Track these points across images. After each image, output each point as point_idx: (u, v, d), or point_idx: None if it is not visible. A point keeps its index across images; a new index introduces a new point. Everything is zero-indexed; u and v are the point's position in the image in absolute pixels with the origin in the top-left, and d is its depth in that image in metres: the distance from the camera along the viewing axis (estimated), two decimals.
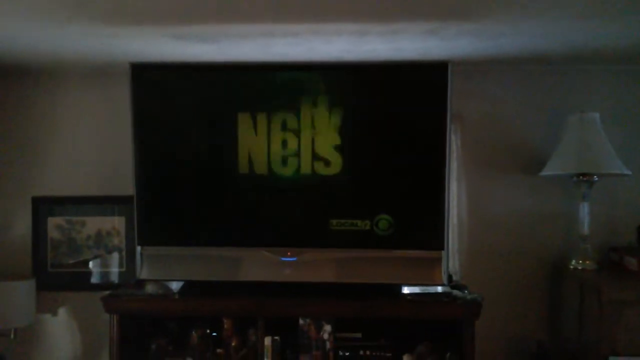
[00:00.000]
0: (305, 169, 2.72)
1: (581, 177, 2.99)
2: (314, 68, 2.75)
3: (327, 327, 2.74)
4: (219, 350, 2.84)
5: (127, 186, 2.89)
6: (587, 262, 2.99)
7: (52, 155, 3.37)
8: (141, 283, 2.89)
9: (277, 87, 2.74)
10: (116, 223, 3.36)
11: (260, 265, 2.77)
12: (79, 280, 3.36)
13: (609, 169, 2.95)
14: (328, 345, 2.73)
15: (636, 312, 2.72)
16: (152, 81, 2.76)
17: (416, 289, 2.80)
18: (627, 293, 2.73)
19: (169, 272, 2.84)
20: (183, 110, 2.78)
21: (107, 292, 2.85)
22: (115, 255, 3.36)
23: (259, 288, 2.79)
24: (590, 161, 2.95)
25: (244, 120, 2.72)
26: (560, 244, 3.18)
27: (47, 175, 3.37)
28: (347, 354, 2.76)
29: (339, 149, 2.70)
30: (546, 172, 3.05)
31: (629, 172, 2.96)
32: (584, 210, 3.02)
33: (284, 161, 2.72)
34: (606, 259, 3.09)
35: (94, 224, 3.37)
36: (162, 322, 2.96)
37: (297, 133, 2.71)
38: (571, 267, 3.01)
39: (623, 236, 3.15)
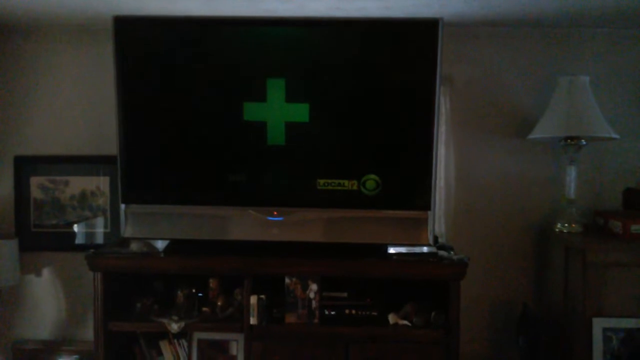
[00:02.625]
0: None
1: (569, 140, 2.98)
2: (302, 24, 2.70)
3: (313, 286, 2.74)
4: (204, 309, 2.83)
5: (112, 146, 2.85)
6: (573, 225, 3.00)
7: (35, 113, 3.31)
8: (126, 241, 2.87)
9: (265, 43, 2.68)
10: (101, 183, 3.32)
11: (246, 224, 2.75)
12: (62, 241, 3.34)
13: (596, 133, 2.95)
14: (314, 304, 2.73)
15: (620, 274, 2.75)
16: (136, 36, 2.70)
17: (402, 249, 2.80)
18: (611, 255, 2.76)
19: (154, 230, 2.81)
20: (168, 66, 2.72)
21: (91, 251, 2.82)
22: (100, 216, 3.33)
23: (245, 247, 2.78)
24: (578, 125, 2.94)
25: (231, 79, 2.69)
26: (546, 207, 3.19)
27: (29, 133, 3.32)
28: (332, 312, 2.77)
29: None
30: (534, 135, 3.04)
31: (617, 136, 2.96)
32: (571, 174, 3.02)
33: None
34: (592, 222, 3.10)
35: (78, 183, 3.32)
36: (147, 281, 2.95)
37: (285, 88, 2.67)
38: (557, 230, 3.03)
39: (609, 200, 3.17)
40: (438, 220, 3.15)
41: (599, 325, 2.73)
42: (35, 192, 3.32)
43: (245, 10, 2.85)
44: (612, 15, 2.90)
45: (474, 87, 3.19)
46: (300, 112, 2.67)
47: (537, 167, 3.21)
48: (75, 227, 3.33)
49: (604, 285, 2.75)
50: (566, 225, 3.01)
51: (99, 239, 3.32)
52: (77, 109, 3.29)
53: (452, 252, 2.80)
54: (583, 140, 2.98)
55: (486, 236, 3.23)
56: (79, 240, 3.33)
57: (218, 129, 2.73)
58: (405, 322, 2.73)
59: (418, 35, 2.63)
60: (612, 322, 2.73)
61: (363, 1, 2.71)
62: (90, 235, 3.34)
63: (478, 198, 3.23)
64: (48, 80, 3.30)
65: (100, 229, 3.33)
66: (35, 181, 3.32)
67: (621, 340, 2.72)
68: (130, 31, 2.68)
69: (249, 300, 2.73)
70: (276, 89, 2.67)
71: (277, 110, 2.68)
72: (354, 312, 2.77)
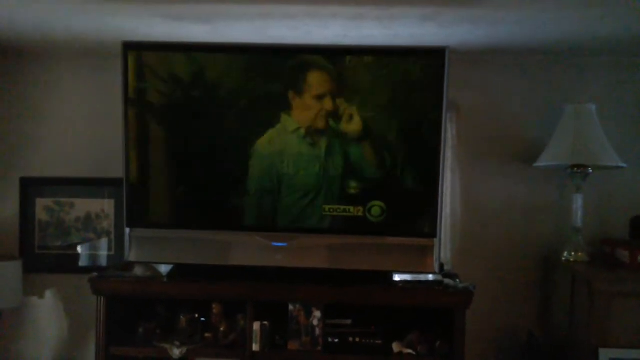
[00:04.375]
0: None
1: (575, 168, 2.97)
2: (310, 52, 2.70)
3: (317, 313, 2.72)
4: (207, 335, 2.81)
5: (117, 168, 2.85)
6: (579, 254, 2.98)
7: (42, 135, 3.33)
8: (129, 265, 2.86)
9: (275, 70, 2.70)
10: (105, 206, 3.32)
11: (251, 250, 2.75)
12: (66, 263, 3.33)
13: (603, 161, 2.94)
14: (317, 331, 2.71)
15: (627, 305, 2.71)
16: (144, 60, 2.71)
17: (407, 277, 2.79)
18: (618, 285, 2.73)
19: (158, 254, 2.81)
20: (176, 91, 2.73)
21: (94, 274, 2.81)
22: (104, 239, 3.32)
23: (249, 273, 2.76)
24: (584, 153, 2.94)
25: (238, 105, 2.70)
26: (553, 236, 3.17)
27: (36, 156, 3.33)
28: (336, 340, 2.74)
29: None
30: (540, 162, 3.03)
31: (624, 165, 2.95)
32: (578, 202, 3.00)
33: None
34: (598, 251, 3.07)
35: (83, 206, 3.33)
36: (150, 306, 2.93)
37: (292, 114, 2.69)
38: (563, 258, 3.00)
39: (616, 229, 3.14)
40: (443, 247, 3.13)
41: (605, 356, 2.69)
42: (41, 214, 3.32)
43: (251, 38, 2.86)
44: (617, 43, 2.90)
45: (479, 113, 3.19)
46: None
47: (543, 195, 3.19)
48: (79, 249, 3.32)
49: (611, 315, 2.71)
50: (572, 253, 2.98)
51: (103, 262, 3.32)
52: (84, 131, 3.31)
53: (457, 280, 2.78)
54: (590, 169, 2.97)
55: (492, 263, 3.20)
56: (83, 262, 3.32)
57: (225, 155, 2.73)
58: (409, 351, 2.70)
59: (425, 63, 2.64)
60: (620, 354, 2.69)
61: (370, 29, 2.72)
62: (94, 258, 3.33)
63: (484, 225, 3.21)
64: (55, 103, 3.32)
65: (104, 252, 3.33)
66: (41, 203, 3.32)
67: None
68: (138, 56, 2.70)
69: (252, 326, 2.71)
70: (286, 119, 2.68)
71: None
72: (357, 340, 2.74)
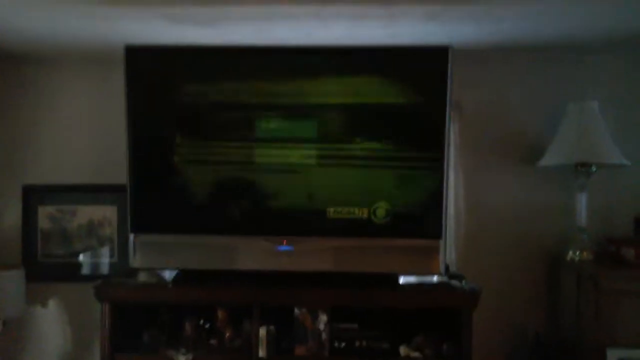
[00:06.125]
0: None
1: (579, 167, 2.96)
2: (312, 52, 2.71)
3: (323, 317, 2.70)
4: (212, 341, 2.79)
5: (119, 175, 2.84)
6: (585, 252, 2.97)
7: (44, 142, 3.31)
8: (134, 272, 2.84)
9: (276, 72, 2.69)
10: (108, 212, 3.30)
11: (255, 254, 2.73)
12: (69, 271, 3.31)
13: (607, 159, 2.93)
14: (324, 335, 2.69)
15: (633, 303, 2.71)
16: (147, 64, 2.71)
17: (413, 279, 2.77)
18: (624, 283, 2.73)
19: (162, 260, 2.79)
20: (179, 95, 2.72)
21: (99, 281, 2.79)
22: (107, 246, 3.30)
23: (254, 277, 2.75)
24: (588, 151, 2.93)
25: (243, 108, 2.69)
26: (557, 235, 3.15)
27: (38, 163, 3.31)
28: (343, 344, 2.72)
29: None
30: (544, 161, 3.02)
31: (628, 163, 2.94)
32: (582, 200, 3.00)
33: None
34: (603, 250, 3.06)
35: (86, 213, 3.31)
36: (155, 312, 2.91)
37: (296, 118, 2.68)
38: (568, 257, 2.99)
39: (620, 227, 3.13)
40: (449, 247, 3.12)
41: (613, 355, 2.68)
42: (43, 222, 3.31)
43: (253, 39, 2.85)
44: (620, 39, 2.90)
45: (482, 112, 3.19)
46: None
47: (548, 194, 3.18)
48: (82, 257, 3.30)
49: (617, 313, 2.71)
50: (578, 252, 2.97)
51: (106, 269, 3.30)
52: (86, 137, 3.30)
53: (463, 281, 2.77)
54: (593, 167, 2.96)
55: (497, 264, 3.18)
56: (86, 270, 3.31)
57: (229, 159, 2.72)
58: (416, 354, 2.68)
59: (428, 62, 2.64)
60: (628, 354, 2.67)
61: (370, 29, 2.72)
62: (96, 266, 3.32)
63: (488, 225, 3.20)
64: (57, 109, 3.31)
65: (106, 259, 3.30)
66: (43, 211, 3.30)
67: None
68: (141, 60, 2.69)
69: (257, 331, 2.69)
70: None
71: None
72: (364, 343, 2.72)
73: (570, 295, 2.93)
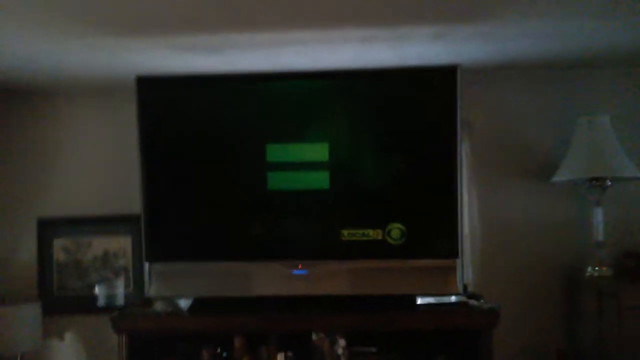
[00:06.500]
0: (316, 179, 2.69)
1: (593, 181, 2.94)
2: (322, 76, 2.72)
3: (341, 342, 2.66)
4: None
5: (133, 205, 2.86)
6: (604, 268, 2.93)
7: (57, 175, 3.35)
8: (150, 301, 2.83)
9: (287, 97, 2.71)
10: (122, 243, 3.32)
11: (271, 279, 2.71)
12: (85, 304, 3.30)
13: (621, 173, 2.91)
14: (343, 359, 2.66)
15: None
16: (158, 94, 2.73)
17: (431, 300, 2.74)
18: None
19: (178, 288, 2.78)
20: (191, 124, 2.74)
21: (116, 312, 2.79)
22: (122, 276, 3.30)
23: (270, 303, 2.73)
24: (602, 165, 2.92)
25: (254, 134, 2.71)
26: (574, 251, 3.12)
27: (52, 195, 3.34)
28: None
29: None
30: (558, 177, 3.01)
31: None
32: (598, 215, 2.97)
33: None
34: (621, 264, 3.02)
35: (100, 244, 3.32)
36: (171, 342, 2.89)
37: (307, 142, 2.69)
38: (587, 274, 2.95)
39: (638, 241, 3.09)
40: (465, 267, 3.09)
41: None
42: (58, 254, 3.32)
43: (262, 66, 2.88)
44: (628, 54, 2.92)
45: (493, 130, 3.19)
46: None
47: (563, 210, 3.17)
48: (98, 289, 3.29)
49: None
50: (597, 268, 2.94)
51: (122, 301, 3.29)
52: (99, 169, 3.33)
53: (482, 301, 2.73)
54: (608, 181, 2.94)
55: (514, 282, 3.16)
56: (102, 302, 3.29)
57: (241, 184, 2.73)
58: None
59: (437, 82, 2.65)
60: None
61: (379, 52, 2.74)
62: (112, 297, 3.30)
63: (504, 243, 3.18)
64: (69, 141, 3.36)
65: (122, 290, 3.30)
66: (58, 243, 3.32)
67: None
68: (152, 90, 2.72)
69: (275, 358, 2.66)
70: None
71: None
72: None
73: (590, 312, 2.88)
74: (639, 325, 2.66)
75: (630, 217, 3.12)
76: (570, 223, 3.15)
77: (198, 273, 2.74)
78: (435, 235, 2.68)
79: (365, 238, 2.67)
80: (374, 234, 2.67)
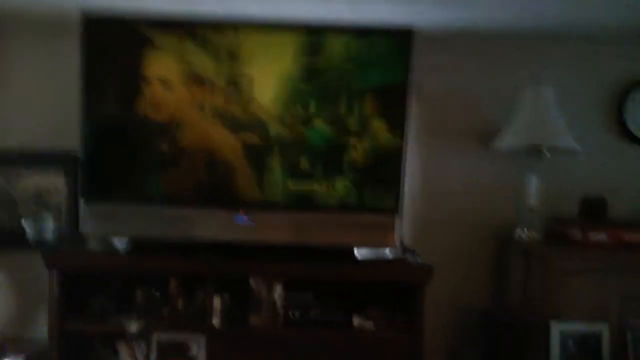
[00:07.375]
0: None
1: (531, 149, 3.04)
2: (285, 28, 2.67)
3: (278, 288, 2.70)
4: (165, 310, 2.75)
5: (70, 141, 2.77)
6: (533, 232, 3.05)
7: None
8: (84, 240, 2.77)
9: (237, 46, 2.66)
10: (56, 180, 3.20)
11: (212, 224, 2.70)
12: (15, 239, 3.18)
13: (558, 143, 3.01)
14: (278, 305, 2.69)
15: (579, 280, 2.81)
16: (104, 32, 2.63)
17: (368, 253, 2.80)
18: (571, 262, 2.83)
19: (114, 228, 2.73)
20: (135, 63, 2.65)
21: (48, 248, 2.71)
22: (55, 213, 3.20)
23: (210, 248, 2.72)
24: (540, 134, 3.00)
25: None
26: (508, 215, 3.22)
27: None
28: (297, 315, 2.73)
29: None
30: (498, 143, 3.09)
31: (579, 149, 3.03)
32: (532, 182, 3.08)
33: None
34: (551, 230, 3.16)
35: (33, 180, 3.19)
36: (105, 281, 2.85)
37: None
38: (516, 236, 3.08)
39: (567, 210, 3.22)
40: (403, 224, 3.16)
41: (556, 328, 2.78)
42: None
43: (216, 12, 2.78)
44: (579, 30, 3.00)
45: (443, 96, 3.23)
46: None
47: (501, 175, 3.26)
48: (29, 225, 3.18)
49: (563, 290, 2.80)
50: (525, 230, 3.06)
51: (50, 235, 3.17)
52: (35, 103, 3.18)
53: (417, 257, 2.82)
54: (545, 150, 3.04)
55: (448, 243, 3.25)
56: (33, 238, 3.18)
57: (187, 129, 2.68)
58: (369, 323, 2.72)
59: (391, 43, 2.65)
60: (570, 326, 2.78)
61: (335, 12, 2.70)
62: (44, 233, 3.20)
63: (441, 205, 3.26)
64: (7, 74, 3.19)
65: (50, 224, 3.17)
66: None
67: (578, 344, 2.78)
68: (97, 28, 2.61)
69: (211, 301, 2.67)
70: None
71: None
72: (318, 314, 2.74)
73: (518, 273, 3.02)
74: (561, 286, 2.80)
75: (562, 187, 3.24)
76: (507, 188, 3.24)
77: (136, 215, 2.69)
78: (379, 191, 2.72)
79: (310, 189, 2.68)
80: (318, 186, 2.69)
